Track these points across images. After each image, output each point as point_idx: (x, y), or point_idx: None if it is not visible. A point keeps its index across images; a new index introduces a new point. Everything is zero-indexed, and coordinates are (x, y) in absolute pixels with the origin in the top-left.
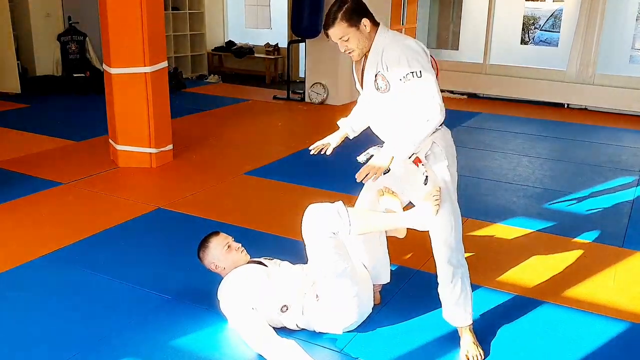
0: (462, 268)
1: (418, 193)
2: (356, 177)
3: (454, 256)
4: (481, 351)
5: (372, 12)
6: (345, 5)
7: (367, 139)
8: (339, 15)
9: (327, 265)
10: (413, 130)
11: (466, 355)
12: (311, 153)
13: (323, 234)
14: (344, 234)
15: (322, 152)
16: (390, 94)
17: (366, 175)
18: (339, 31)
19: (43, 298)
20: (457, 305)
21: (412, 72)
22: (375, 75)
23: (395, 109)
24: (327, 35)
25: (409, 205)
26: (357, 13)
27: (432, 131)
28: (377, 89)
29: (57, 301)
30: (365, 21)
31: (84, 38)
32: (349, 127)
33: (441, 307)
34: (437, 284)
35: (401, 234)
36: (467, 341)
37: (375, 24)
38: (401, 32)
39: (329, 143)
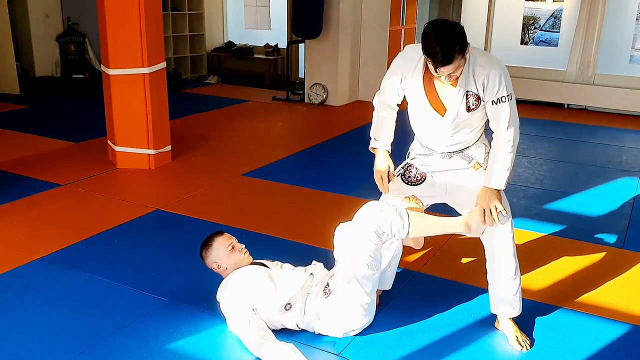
0: (517, 260)
1: (472, 195)
2: (488, 223)
3: (515, 249)
4: (527, 337)
5: (372, 13)
6: (458, 39)
7: (365, 138)
8: (457, 50)
9: (357, 265)
10: (506, 158)
11: (517, 340)
12: (388, 192)
13: (375, 232)
14: (401, 237)
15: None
16: (478, 111)
17: (494, 217)
18: (455, 66)
19: (40, 300)
20: (515, 296)
21: (508, 95)
22: (466, 94)
23: (470, 124)
24: (437, 71)
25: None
26: (466, 43)
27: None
28: (468, 107)
29: (55, 303)
30: (469, 47)
31: (83, 39)
32: (387, 144)
33: (490, 301)
34: (494, 280)
35: (418, 245)
36: (515, 328)
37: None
38: (401, 32)
39: (388, 169)
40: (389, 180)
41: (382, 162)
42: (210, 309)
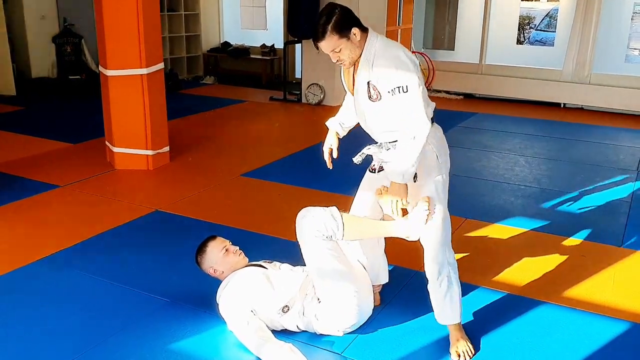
0: (449, 267)
1: (413, 192)
2: (386, 211)
3: (440, 255)
4: (470, 346)
5: (368, 13)
6: (334, 17)
7: (360, 139)
8: (329, 28)
9: (323, 267)
10: (405, 150)
11: (456, 352)
12: (331, 167)
13: (316, 235)
14: (337, 238)
15: (335, 158)
16: (382, 102)
17: (395, 208)
18: (330, 44)
19: (40, 302)
20: (443, 303)
21: (399, 87)
22: (368, 84)
23: (387, 114)
24: (317, 48)
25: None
26: (347, 23)
27: (423, 144)
28: (370, 97)
29: (55, 305)
30: (355, 30)
31: (80, 40)
32: (337, 125)
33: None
34: (427, 281)
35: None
36: (454, 337)
37: (364, 30)
38: (397, 32)
39: (331, 146)
40: (336, 157)
41: (327, 140)
42: (212, 309)
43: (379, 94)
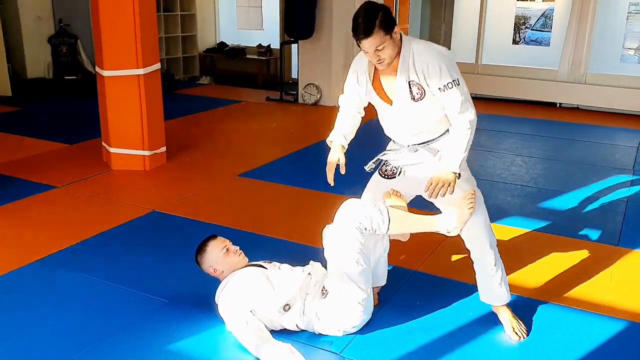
0: (497, 254)
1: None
2: (428, 195)
3: (493, 239)
4: (520, 322)
5: None
6: (380, 14)
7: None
8: (376, 24)
9: (346, 264)
10: (462, 140)
11: (513, 330)
12: (333, 184)
13: (357, 227)
14: (381, 232)
15: (342, 173)
16: (424, 101)
17: (439, 191)
18: (376, 41)
19: (38, 303)
20: (500, 286)
21: (453, 81)
22: (409, 84)
23: (427, 114)
24: (360, 45)
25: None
26: (391, 22)
27: (473, 135)
28: (413, 97)
29: (52, 306)
30: (397, 29)
31: (75, 40)
32: (342, 138)
33: (478, 291)
34: (478, 272)
35: (405, 238)
36: (509, 316)
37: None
38: None
39: (338, 161)
40: (344, 173)
41: (334, 154)
42: (210, 309)
43: (422, 92)
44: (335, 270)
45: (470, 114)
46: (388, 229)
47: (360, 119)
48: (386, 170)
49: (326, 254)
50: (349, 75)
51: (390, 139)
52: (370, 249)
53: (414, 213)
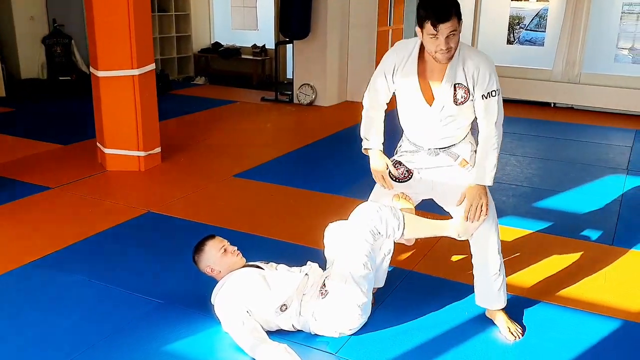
0: (501, 258)
1: (457, 192)
2: (465, 218)
3: (500, 247)
4: (516, 325)
5: (359, 13)
6: (456, 3)
7: (353, 138)
8: (454, 10)
9: (353, 265)
10: (493, 154)
11: (509, 330)
12: (393, 188)
13: (371, 231)
14: (395, 237)
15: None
16: (465, 105)
17: (480, 213)
18: (453, 24)
19: (33, 304)
20: (499, 290)
21: (495, 91)
22: (455, 86)
23: (463, 118)
24: (435, 29)
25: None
26: (460, 12)
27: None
28: (456, 100)
29: (46, 307)
30: (462, 23)
31: (70, 41)
32: (380, 145)
33: (475, 294)
34: (480, 276)
35: (410, 242)
36: (505, 319)
37: None
38: (388, 32)
39: (386, 168)
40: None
41: (379, 162)
42: (206, 310)
43: (468, 96)
44: (341, 270)
45: (500, 128)
46: (403, 234)
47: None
48: (400, 174)
49: (329, 253)
50: (382, 70)
51: (407, 139)
52: (377, 252)
53: (422, 217)
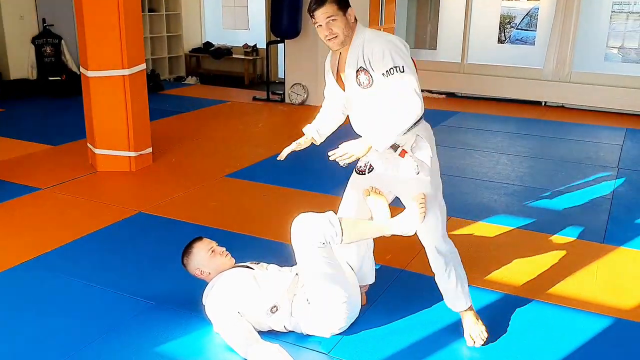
0: (452, 255)
1: (408, 188)
2: (329, 154)
3: (444, 246)
4: (483, 327)
5: None
6: None
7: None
8: None
9: (317, 272)
10: (393, 122)
11: (470, 336)
12: (281, 159)
13: (313, 243)
14: (335, 243)
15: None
16: (372, 90)
17: (340, 156)
18: (329, 10)
19: (24, 306)
20: (455, 292)
21: (396, 67)
22: (357, 71)
23: (376, 104)
24: (313, 17)
25: (395, 208)
26: (346, 2)
27: (412, 124)
28: (359, 84)
29: (37, 309)
30: (351, 11)
31: (60, 41)
32: (314, 132)
33: (442, 298)
34: (433, 274)
35: (409, 233)
36: (470, 322)
37: (355, 20)
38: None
39: (298, 147)
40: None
41: (299, 140)
42: (197, 311)
43: (370, 79)
44: (311, 280)
45: (413, 102)
46: (342, 239)
47: (342, 118)
48: (360, 166)
49: (299, 269)
50: (325, 68)
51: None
52: (352, 249)
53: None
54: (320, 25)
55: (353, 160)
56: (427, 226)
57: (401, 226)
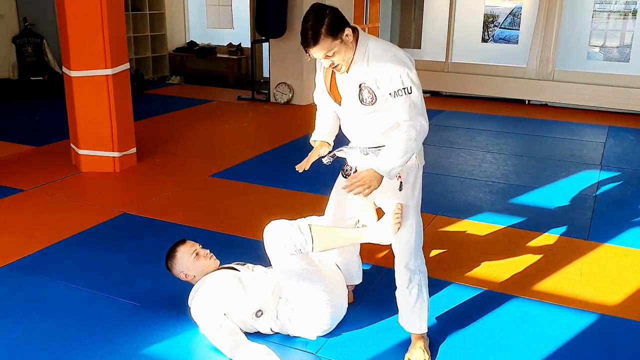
0: (420, 275)
1: (388, 198)
2: (344, 189)
3: (412, 261)
4: (427, 356)
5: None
6: (326, 18)
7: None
8: (322, 31)
9: (293, 278)
10: (400, 148)
11: (408, 358)
12: (301, 171)
13: (284, 251)
14: (306, 252)
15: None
16: (375, 106)
17: (357, 188)
18: (324, 47)
19: (7, 309)
20: (412, 311)
21: (405, 88)
22: (360, 86)
23: (379, 119)
24: (307, 53)
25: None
26: (340, 24)
27: (419, 148)
28: (362, 101)
29: (21, 312)
30: (347, 31)
31: (41, 40)
32: (326, 137)
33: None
34: (395, 287)
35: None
36: (417, 348)
37: (354, 30)
38: (365, 31)
39: (317, 157)
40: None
41: (315, 150)
42: (183, 312)
43: (373, 97)
44: (290, 287)
45: (418, 123)
46: (313, 248)
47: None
48: (347, 170)
49: (277, 276)
50: (317, 71)
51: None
52: (338, 252)
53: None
54: (319, 59)
55: (371, 192)
56: (400, 238)
57: (375, 235)
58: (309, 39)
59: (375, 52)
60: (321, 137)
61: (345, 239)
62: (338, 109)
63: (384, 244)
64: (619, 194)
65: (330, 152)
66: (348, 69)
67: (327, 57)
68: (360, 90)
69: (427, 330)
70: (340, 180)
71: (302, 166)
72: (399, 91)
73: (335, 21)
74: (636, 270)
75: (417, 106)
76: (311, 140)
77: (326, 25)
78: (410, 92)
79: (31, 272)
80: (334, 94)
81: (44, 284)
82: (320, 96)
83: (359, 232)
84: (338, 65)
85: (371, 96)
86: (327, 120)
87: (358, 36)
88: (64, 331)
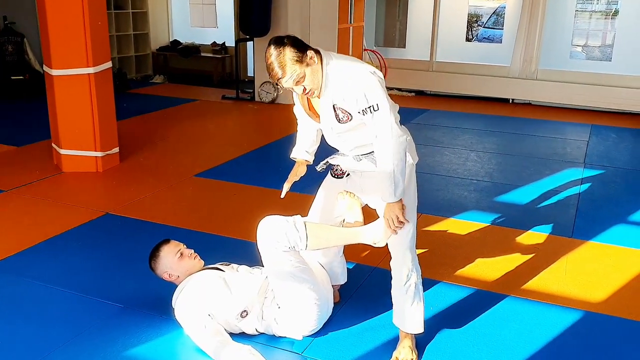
0: (415, 273)
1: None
2: (385, 236)
3: (409, 260)
4: (414, 356)
5: (319, 11)
6: (287, 47)
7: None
8: (286, 60)
9: (284, 275)
10: (388, 167)
11: (396, 357)
12: (282, 197)
13: (276, 248)
14: (300, 249)
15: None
16: (352, 123)
17: (396, 226)
18: (292, 75)
19: None
20: (409, 310)
21: (370, 107)
22: (334, 107)
23: (359, 133)
24: (278, 85)
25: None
26: (301, 49)
27: (404, 155)
28: (339, 120)
29: (3, 314)
30: (310, 53)
31: (22, 39)
32: (305, 154)
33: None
34: (391, 285)
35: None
36: (405, 346)
37: (317, 51)
38: (349, 30)
39: (297, 178)
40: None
41: (296, 170)
42: (167, 313)
43: (348, 115)
44: (279, 284)
45: (393, 140)
46: (307, 245)
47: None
48: (336, 170)
49: (266, 274)
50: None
51: None
52: (322, 252)
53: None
54: (291, 88)
55: (402, 221)
56: (397, 237)
57: (370, 236)
58: (276, 71)
59: (337, 75)
60: (301, 155)
61: (339, 238)
62: (319, 125)
63: (378, 245)
64: (602, 192)
65: (323, 160)
66: (319, 94)
67: (297, 83)
68: (334, 111)
69: (423, 330)
70: (329, 181)
71: (285, 190)
72: (367, 109)
73: (296, 47)
74: (619, 267)
75: (385, 121)
76: (291, 156)
77: (288, 53)
78: (377, 109)
79: (11, 273)
80: (312, 113)
81: (23, 286)
82: (301, 110)
83: (353, 232)
84: (311, 89)
85: (346, 115)
86: (308, 133)
87: (322, 58)
88: (44, 334)
